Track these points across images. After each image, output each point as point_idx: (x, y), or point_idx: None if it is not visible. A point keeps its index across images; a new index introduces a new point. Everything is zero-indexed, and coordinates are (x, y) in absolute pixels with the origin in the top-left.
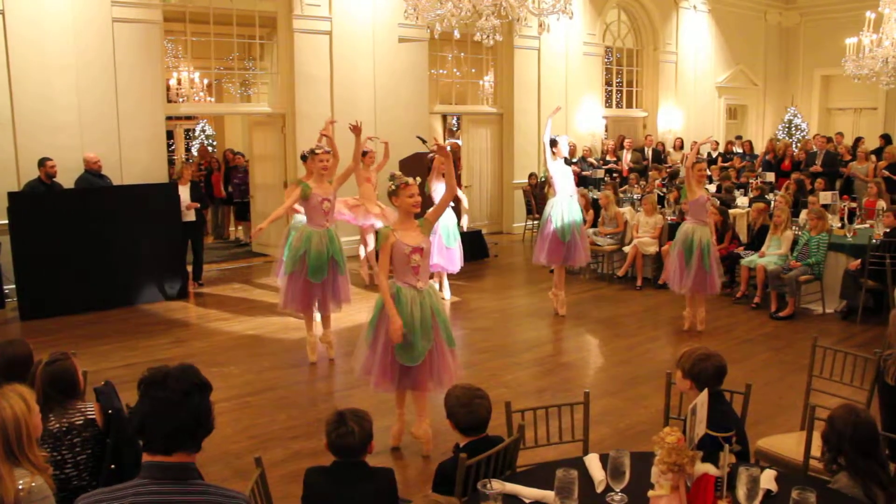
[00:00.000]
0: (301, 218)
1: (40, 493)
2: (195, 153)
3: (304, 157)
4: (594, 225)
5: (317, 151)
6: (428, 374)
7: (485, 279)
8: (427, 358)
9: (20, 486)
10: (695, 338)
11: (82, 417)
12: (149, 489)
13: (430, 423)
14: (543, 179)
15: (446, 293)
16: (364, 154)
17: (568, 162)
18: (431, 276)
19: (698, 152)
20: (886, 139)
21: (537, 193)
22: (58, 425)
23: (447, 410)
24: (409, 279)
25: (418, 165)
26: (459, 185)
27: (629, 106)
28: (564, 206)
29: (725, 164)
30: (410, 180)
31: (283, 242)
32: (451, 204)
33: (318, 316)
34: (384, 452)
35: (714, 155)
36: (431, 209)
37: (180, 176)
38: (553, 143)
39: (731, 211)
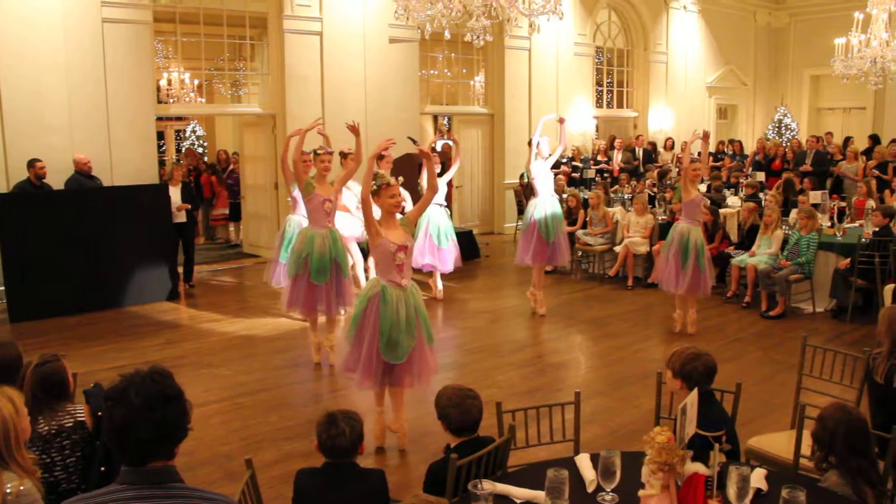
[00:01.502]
0: (296, 218)
1: (29, 497)
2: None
3: None
4: (584, 226)
5: (318, 152)
6: (408, 371)
7: (476, 279)
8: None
9: (8, 490)
10: (686, 338)
11: (72, 420)
12: (127, 494)
13: (405, 419)
14: (527, 180)
15: (439, 284)
16: (380, 158)
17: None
18: (429, 275)
19: (690, 151)
20: (875, 139)
21: (528, 194)
22: (47, 428)
23: (439, 411)
24: (394, 277)
25: (409, 166)
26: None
27: (620, 106)
28: (547, 206)
29: (717, 164)
30: (392, 181)
31: (278, 244)
32: (445, 191)
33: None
34: (374, 453)
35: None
36: (413, 208)
37: (171, 177)
38: (536, 144)
39: (721, 210)
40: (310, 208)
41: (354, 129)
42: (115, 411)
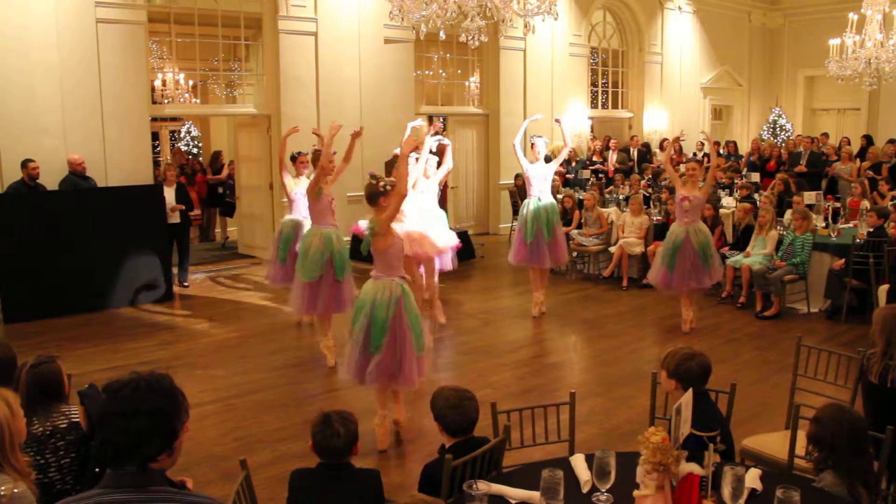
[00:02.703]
0: (291, 219)
1: (23, 500)
2: (174, 156)
3: (293, 158)
4: (579, 226)
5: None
6: (422, 363)
7: (471, 280)
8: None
9: (2, 492)
10: (681, 337)
11: (66, 421)
12: (110, 498)
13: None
14: (521, 181)
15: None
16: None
17: (549, 160)
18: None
19: (679, 150)
20: (868, 140)
21: (524, 194)
22: (41, 429)
23: (435, 413)
24: (402, 272)
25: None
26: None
27: (615, 107)
28: (540, 208)
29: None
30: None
31: (275, 244)
32: (435, 193)
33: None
34: (370, 454)
35: (700, 155)
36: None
37: (165, 178)
38: (530, 144)
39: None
40: (318, 209)
41: (357, 135)
42: (104, 409)
